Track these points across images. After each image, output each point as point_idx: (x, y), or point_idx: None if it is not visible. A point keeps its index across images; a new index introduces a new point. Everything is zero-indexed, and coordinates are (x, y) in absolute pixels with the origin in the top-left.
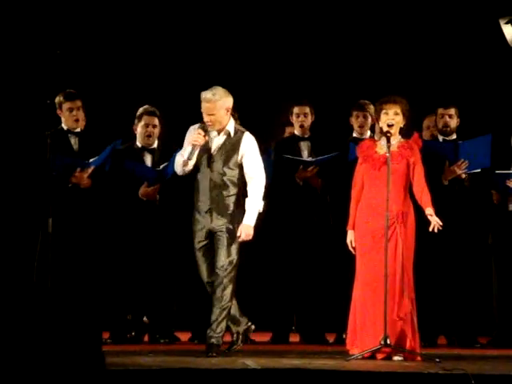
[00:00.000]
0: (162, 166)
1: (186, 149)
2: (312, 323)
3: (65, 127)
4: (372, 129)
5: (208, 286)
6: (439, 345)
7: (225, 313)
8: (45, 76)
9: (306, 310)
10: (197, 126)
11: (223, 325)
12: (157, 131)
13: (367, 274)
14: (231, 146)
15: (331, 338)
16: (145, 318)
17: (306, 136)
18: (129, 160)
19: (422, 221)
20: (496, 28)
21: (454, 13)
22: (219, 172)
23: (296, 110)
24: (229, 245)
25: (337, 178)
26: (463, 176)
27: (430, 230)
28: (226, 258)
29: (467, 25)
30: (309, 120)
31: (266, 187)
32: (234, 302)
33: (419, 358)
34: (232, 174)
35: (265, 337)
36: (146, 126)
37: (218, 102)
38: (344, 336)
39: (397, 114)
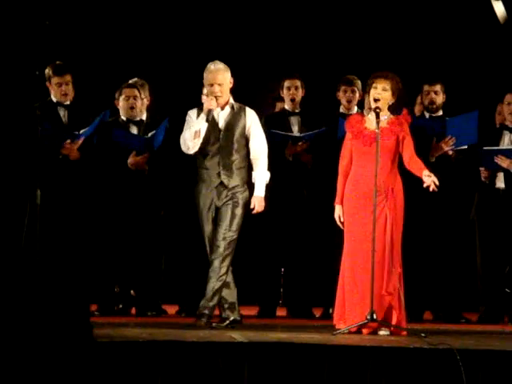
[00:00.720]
0: (150, 134)
1: (194, 124)
2: (299, 297)
3: (54, 99)
4: (359, 105)
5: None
6: (425, 320)
7: (220, 284)
8: (33, 47)
9: (292, 284)
10: (194, 110)
11: (218, 297)
12: (139, 103)
13: (356, 249)
14: (237, 119)
15: (318, 313)
16: (132, 291)
17: (297, 111)
18: (117, 128)
19: (410, 197)
20: (486, 4)
21: None
22: (230, 145)
23: (287, 83)
24: (233, 217)
25: (326, 154)
26: (450, 153)
27: (425, 186)
28: (228, 230)
29: (457, 0)
30: (299, 94)
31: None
32: (235, 289)
33: (405, 333)
34: (241, 146)
35: (252, 311)
36: (127, 98)
37: (225, 73)
38: (331, 310)
39: (385, 89)
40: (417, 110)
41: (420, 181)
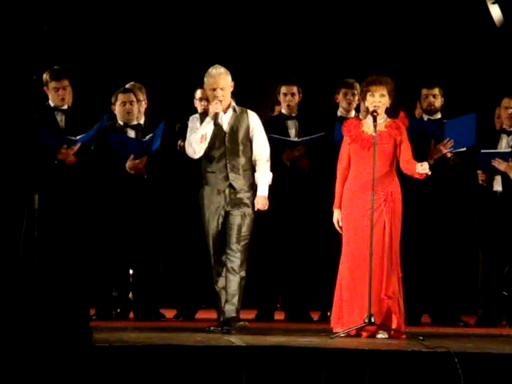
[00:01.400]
0: (147, 137)
1: (199, 128)
2: (297, 301)
3: (51, 104)
4: (357, 108)
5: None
6: (423, 323)
7: (242, 284)
8: (31, 52)
9: (290, 287)
10: (196, 115)
11: (240, 297)
12: (135, 107)
13: (354, 253)
14: (241, 122)
15: (316, 316)
16: (130, 295)
17: (294, 115)
18: (112, 132)
19: (408, 200)
20: (483, 7)
21: None
22: (236, 147)
23: (283, 89)
24: (245, 221)
25: (324, 158)
26: (449, 155)
27: (421, 172)
28: (242, 235)
29: (454, 3)
30: (296, 99)
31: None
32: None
33: (403, 336)
34: (246, 148)
35: (250, 314)
36: (123, 103)
37: (227, 77)
38: (328, 314)
39: (383, 95)
40: (417, 113)
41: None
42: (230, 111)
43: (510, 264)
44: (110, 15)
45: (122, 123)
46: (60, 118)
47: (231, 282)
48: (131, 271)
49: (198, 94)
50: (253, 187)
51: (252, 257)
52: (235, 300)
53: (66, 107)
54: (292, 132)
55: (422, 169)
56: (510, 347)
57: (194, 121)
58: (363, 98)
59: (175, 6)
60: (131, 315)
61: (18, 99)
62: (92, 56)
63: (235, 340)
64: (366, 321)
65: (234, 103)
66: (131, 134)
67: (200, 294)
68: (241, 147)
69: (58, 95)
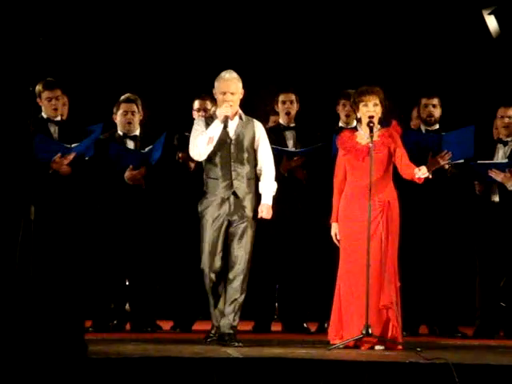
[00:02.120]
0: (146, 149)
1: (207, 130)
2: (294, 312)
3: (44, 116)
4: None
5: (212, 275)
6: (421, 334)
7: (241, 302)
8: (27, 63)
9: (287, 299)
10: (201, 118)
11: (239, 315)
12: (137, 118)
13: (352, 264)
14: (247, 130)
15: (313, 328)
16: (127, 307)
17: (291, 125)
18: (113, 143)
19: (406, 210)
20: (479, 18)
21: (437, 3)
22: (241, 155)
23: (282, 97)
24: (248, 233)
25: (322, 169)
26: (446, 167)
27: (421, 176)
28: (245, 248)
29: (451, 15)
30: (294, 108)
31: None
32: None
33: (400, 348)
34: (251, 157)
35: (247, 326)
36: (125, 113)
37: (238, 83)
38: (326, 325)
39: (376, 104)
40: (413, 124)
41: (416, 195)
42: (237, 118)
43: (507, 275)
44: (105, 26)
45: (121, 133)
46: (53, 130)
47: (230, 299)
48: (127, 282)
49: (196, 104)
50: (256, 196)
51: (250, 267)
52: (231, 317)
53: (59, 118)
54: (290, 143)
55: (422, 173)
56: (508, 359)
57: (199, 123)
58: (356, 109)
59: (172, 17)
60: (128, 327)
61: (13, 110)
62: (87, 67)
63: (232, 352)
64: (364, 332)
65: (240, 111)
66: (130, 144)
67: (197, 305)
68: (246, 155)
69: (51, 105)
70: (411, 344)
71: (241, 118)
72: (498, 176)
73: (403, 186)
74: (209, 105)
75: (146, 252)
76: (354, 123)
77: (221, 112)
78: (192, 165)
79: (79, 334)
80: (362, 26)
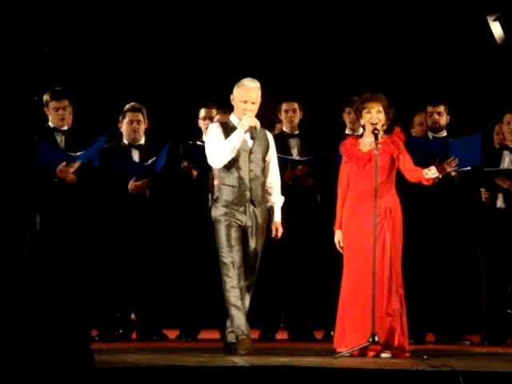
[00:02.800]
0: (150, 161)
1: (230, 140)
2: (300, 320)
3: (51, 125)
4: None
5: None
6: (427, 341)
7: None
8: (32, 73)
9: (294, 307)
10: (216, 123)
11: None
12: (142, 127)
13: (355, 272)
14: (262, 140)
15: (319, 335)
16: (133, 316)
17: (296, 133)
18: (116, 155)
19: (411, 218)
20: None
21: (442, 10)
22: (258, 163)
23: (284, 106)
24: (262, 237)
25: (327, 177)
26: (453, 174)
27: (433, 177)
28: (259, 251)
29: (456, 22)
30: (297, 116)
31: None
32: None
33: (407, 355)
34: (265, 168)
35: (253, 334)
36: (131, 122)
37: (259, 92)
38: (332, 333)
39: (379, 112)
40: (416, 131)
41: (422, 202)
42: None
43: None
44: (111, 35)
45: (126, 142)
46: (60, 139)
47: (243, 303)
48: (133, 292)
49: (202, 113)
50: (266, 207)
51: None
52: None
53: (65, 128)
54: (294, 151)
55: (432, 173)
56: None
57: (216, 129)
58: (359, 116)
59: (176, 26)
60: (134, 336)
61: (19, 120)
62: (92, 77)
63: (238, 360)
64: (370, 340)
65: (257, 120)
66: (135, 153)
67: (202, 314)
68: (262, 165)
69: (58, 115)
70: (418, 351)
71: (255, 127)
72: (504, 183)
73: (409, 192)
74: (214, 113)
75: (152, 261)
76: (361, 130)
77: (247, 122)
78: (195, 173)
79: (85, 344)
80: (367, 34)
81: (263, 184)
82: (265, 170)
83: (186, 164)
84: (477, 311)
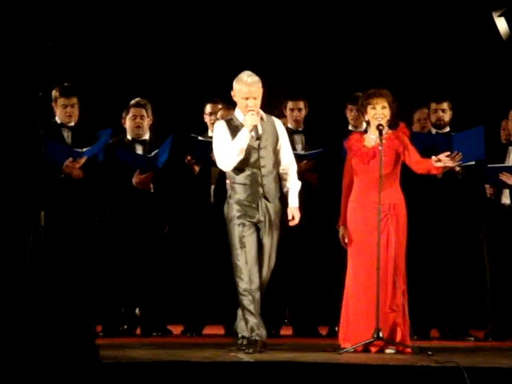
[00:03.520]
0: (153, 153)
1: (236, 141)
2: (304, 316)
3: (58, 121)
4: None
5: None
6: (432, 337)
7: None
8: (37, 68)
9: (298, 303)
10: (222, 121)
11: None
12: (146, 122)
13: (359, 267)
14: (270, 130)
15: (324, 331)
16: (137, 311)
17: (300, 129)
18: (120, 148)
19: (416, 213)
20: (489, 20)
21: (446, 5)
22: (269, 157)
23: (290, 104)
24: (276, 232)
25: (332, 172)
26: (457, 169)
27: (445, 165)
28: (274, 246)
29: (460, 17)
30: (303, 114)
31: None
32: None
33: (409, 350)
34: (276, 158)
35: None
36: (134, 117)
37: (260, 86)
38: (336, 329)
39: (384, 107)
40: (415, 127)
41: (426, 197)
42: (259, 121)
43: None
44: (115, 31)
45: (130, 138)
46: (66, 135)
47: (260, 300)
48: (138, 287)
49: (208, 108)
50: (281, 198)
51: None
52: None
53: (72, 124)
54: (299, 147)
55: (443, 162)
56: None
57: (222, 128)
58: (364, 111)
59: (181, 22)
60: (138, 331)
61: (24, 115)
62: (98, 72)
63: (243, 356)
64: (375, 336)
65: (261, 111)
66: (139, 149)
67: (207, 309)
68: (274, 158)
69: (66, 112)
70: (422, 347)
71: (262, 118)
72: (509, 179)
73: (413, 188)
74: (219, 108)
75: (156, 256)
76: (363, 126)
77: (250, 122)
78: (197, 168)
79: (90, 339)
80: (370, 30)
81: (276, 176)
82: (277, 160)
83: (189, 158)
84: (481, 307)
